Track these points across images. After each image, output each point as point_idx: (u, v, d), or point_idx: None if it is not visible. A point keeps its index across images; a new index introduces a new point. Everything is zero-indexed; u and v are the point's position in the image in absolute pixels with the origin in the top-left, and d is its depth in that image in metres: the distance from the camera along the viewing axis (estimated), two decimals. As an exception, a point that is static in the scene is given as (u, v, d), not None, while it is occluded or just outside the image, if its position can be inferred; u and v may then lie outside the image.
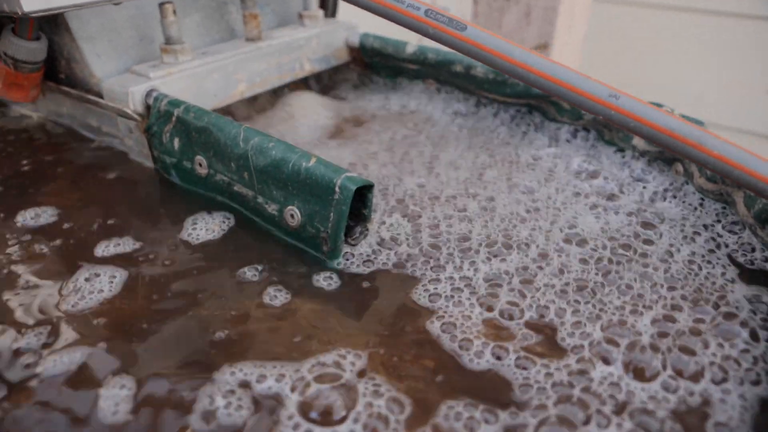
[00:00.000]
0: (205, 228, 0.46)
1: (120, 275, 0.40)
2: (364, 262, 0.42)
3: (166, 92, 0.52)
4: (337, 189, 0.39)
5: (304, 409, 0.30)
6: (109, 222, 0.47)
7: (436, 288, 0.39)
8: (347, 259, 0.42)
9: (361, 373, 0.32)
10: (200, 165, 0.49)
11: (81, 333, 0.35)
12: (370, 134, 0.62)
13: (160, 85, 0.53)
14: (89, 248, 0.43)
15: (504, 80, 0.61)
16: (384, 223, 0.46)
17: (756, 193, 0.36)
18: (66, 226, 0.46)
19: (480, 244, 0.43)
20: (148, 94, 0.51)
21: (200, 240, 0.45)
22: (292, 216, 0.43)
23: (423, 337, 0.35)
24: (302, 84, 0.71)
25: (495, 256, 0.42)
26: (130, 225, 0.46)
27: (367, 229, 0.43)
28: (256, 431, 0.29)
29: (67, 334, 0.35)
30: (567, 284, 0.39)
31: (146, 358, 0.33)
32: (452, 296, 0.38)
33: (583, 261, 0.42)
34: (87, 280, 0.40)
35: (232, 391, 0.31)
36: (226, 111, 0.63)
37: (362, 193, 0.42)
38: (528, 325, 0.36)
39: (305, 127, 0.63)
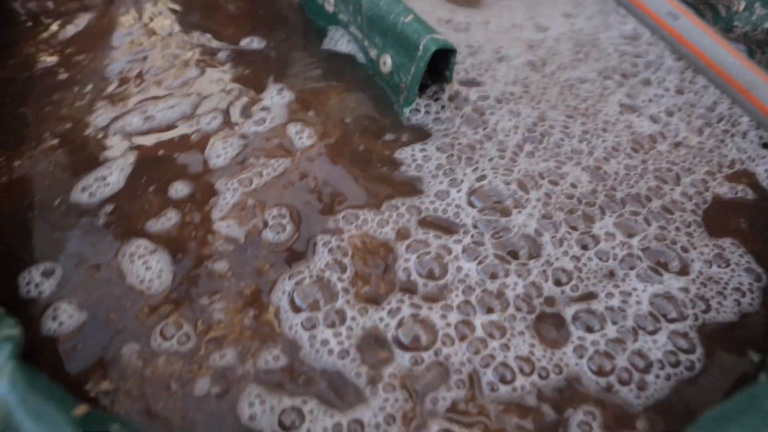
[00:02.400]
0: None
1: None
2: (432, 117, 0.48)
3: None
4: (420, 47, 0.44)
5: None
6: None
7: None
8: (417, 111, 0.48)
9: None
10: (328, 2, 0.55)
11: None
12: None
13: None
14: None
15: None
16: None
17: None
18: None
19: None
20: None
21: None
22: (384, 63, 0.49)
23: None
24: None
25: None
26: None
27: (443, 90, 0.48)
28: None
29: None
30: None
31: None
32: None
33: None
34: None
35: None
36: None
37: (448, 57, 0.47)
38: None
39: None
